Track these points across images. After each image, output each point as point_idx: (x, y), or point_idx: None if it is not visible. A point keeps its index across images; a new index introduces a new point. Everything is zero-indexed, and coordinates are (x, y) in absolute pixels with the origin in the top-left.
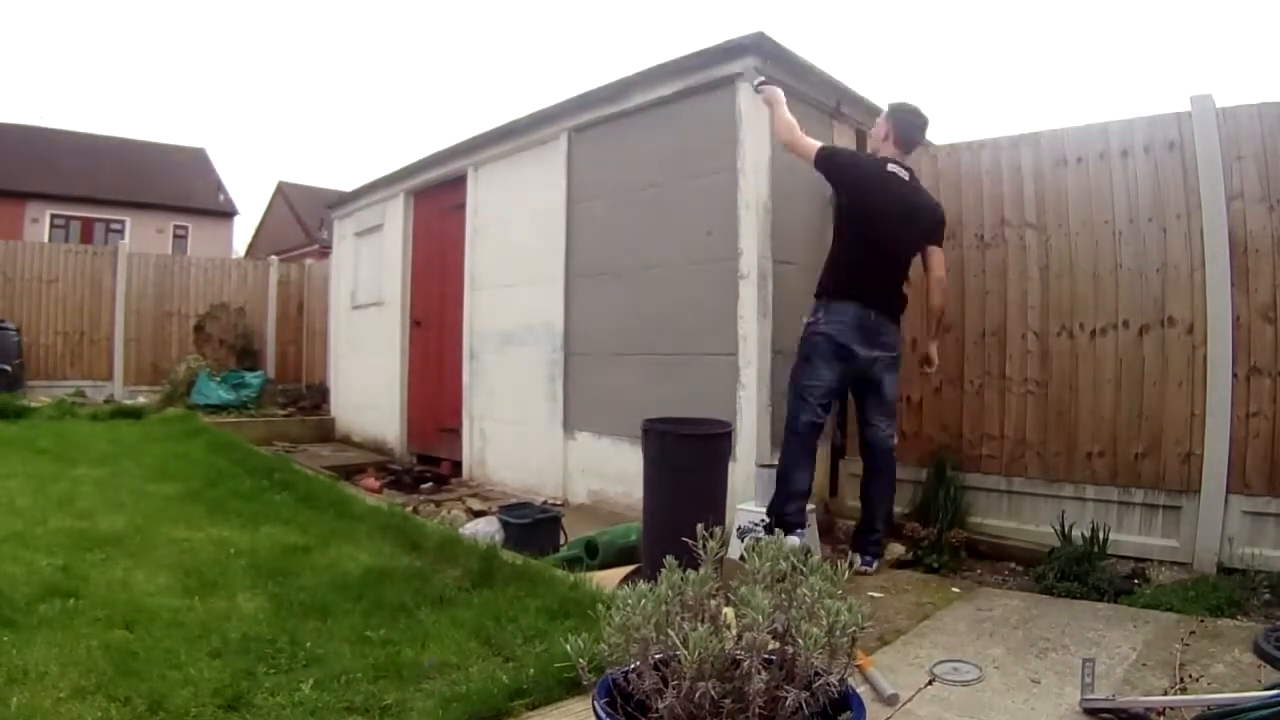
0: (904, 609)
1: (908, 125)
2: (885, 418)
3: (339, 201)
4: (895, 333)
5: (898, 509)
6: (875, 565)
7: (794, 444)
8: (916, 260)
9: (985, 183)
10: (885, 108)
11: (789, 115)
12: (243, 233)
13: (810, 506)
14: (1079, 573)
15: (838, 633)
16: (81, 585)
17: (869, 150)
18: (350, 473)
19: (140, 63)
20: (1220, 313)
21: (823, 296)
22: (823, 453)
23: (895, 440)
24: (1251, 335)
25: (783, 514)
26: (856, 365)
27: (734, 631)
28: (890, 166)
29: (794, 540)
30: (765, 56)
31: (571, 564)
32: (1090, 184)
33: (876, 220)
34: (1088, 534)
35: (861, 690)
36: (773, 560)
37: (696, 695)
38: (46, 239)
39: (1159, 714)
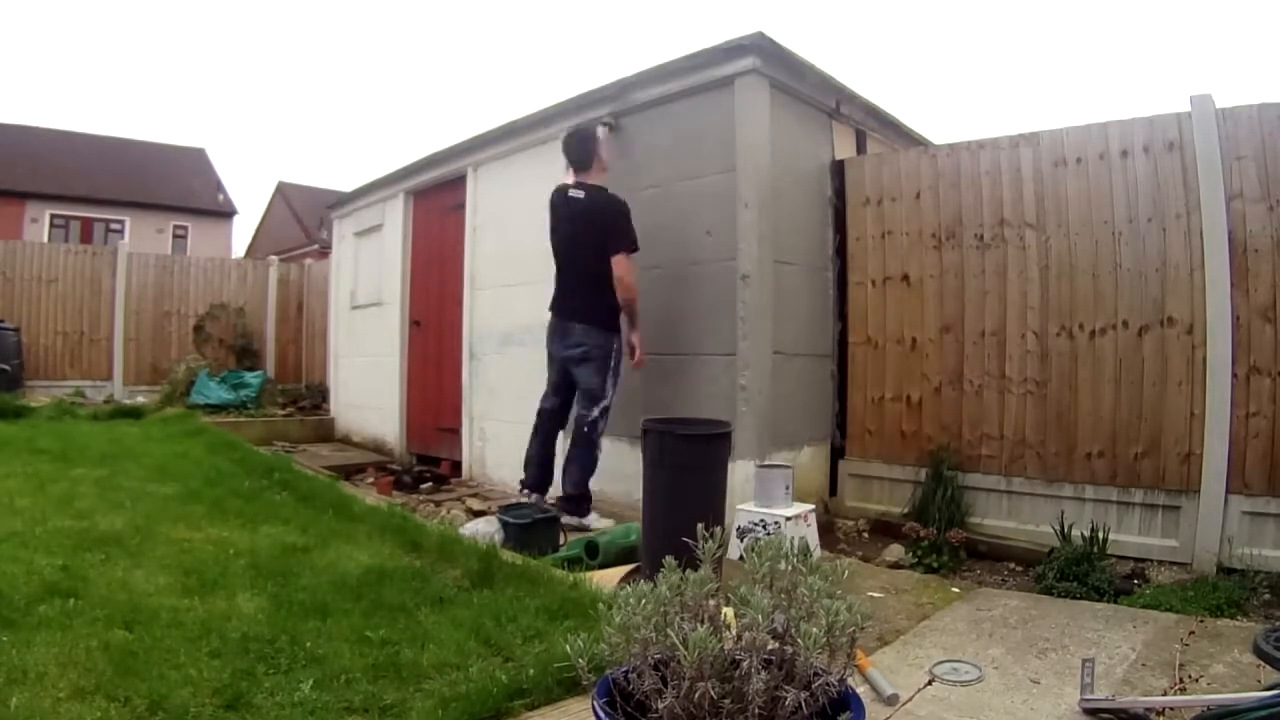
0: (903, 609)
1: (564, 151)
2: (583, 401)
3: (339, 201)
4: (583, 333)
5: (897, 509)
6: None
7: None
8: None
9: (985, 183)
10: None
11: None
12: (242, 233)
13: (810, 506)
14: (1078, 573)
15: (837, 632)
16: (81, 585)
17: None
18: (350, 472)
19: (140, 63)
20: (1220, 313)
21: None
22: (822, 452)
23: (589, 418)
24: (1251, 335)
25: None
26: (558, 361)
27: (733, 631)
28: (570, 192)
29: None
30: (765, 56)
31: (571, 564)
32: (1090, 184)
33: (557, 242)
34: (1087, 534)
35: (861, 690)
36: (772, 560)
37: (696, 695)
38: (46, 239)
39: (1158, 714)
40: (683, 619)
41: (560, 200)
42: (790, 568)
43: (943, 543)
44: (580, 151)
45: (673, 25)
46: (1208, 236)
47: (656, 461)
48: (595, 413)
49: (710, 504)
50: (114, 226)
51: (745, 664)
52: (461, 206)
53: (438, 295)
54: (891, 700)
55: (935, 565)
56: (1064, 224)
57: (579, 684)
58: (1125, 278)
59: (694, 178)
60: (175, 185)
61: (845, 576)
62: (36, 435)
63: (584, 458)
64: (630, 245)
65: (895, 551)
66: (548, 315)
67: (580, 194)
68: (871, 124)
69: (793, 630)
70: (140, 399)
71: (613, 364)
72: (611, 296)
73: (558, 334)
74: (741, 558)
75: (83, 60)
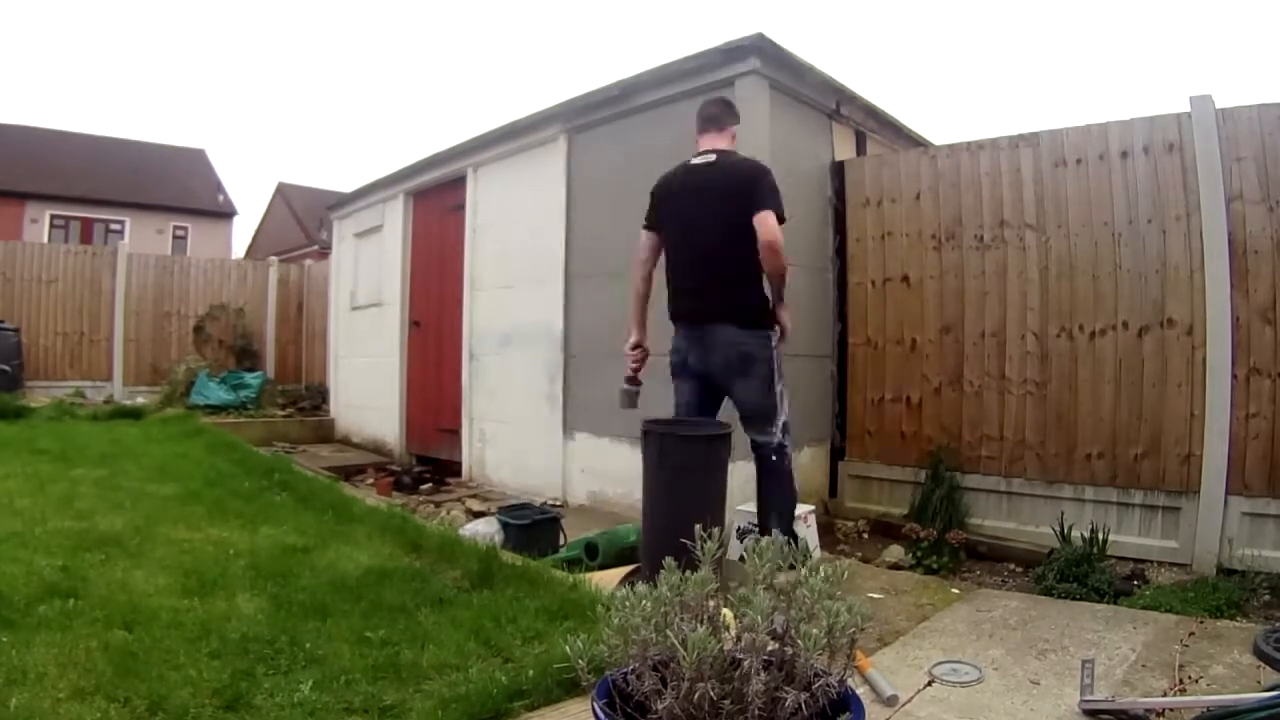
0: (903, 610)
1: (697, 117)
2: (754, 426)
3: (339, 202)
4: (736, 334)
5: (897, 510)
6: None
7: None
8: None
9: (985, 184)
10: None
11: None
12: (242, 233)
13: (810, 507)
14: (1078, 574)
15: (837, 634)
16: (81, 586)
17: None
18: (350, 473)
19: (140, 63)
20: (1219, 314)
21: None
22: (822, 453)
23: (774, 444)
24: (1251, 336)
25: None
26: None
27: (733, 632)
28: (694, 160)
29: None
30: (765, 58)
31: (571, 565)
32: (1090, 185)
33: (673, 226)
34: (1087, 535)
35: (861, 691)
36: (772, 561)
37: (695, 696)
38: (46, 239)
39: (1158, 715)
40: (682, 620)
41: (676, 177)
42: (789, 568)
43: (942, 544)
44: (714, 107)
45: (673, 25)
46: (1207, 238)
47: (656, 462)
48: (778, 435)
49: (710, 505)
50: (114, 227)
51: (745, 665)
52: (461, 207)
53: (437, 296)
54: (891, 701)
55: (935, 566)
56: (1064, 225)
57: (578, 685)
58: (1125, 279)
59: None
60: (175, 186)
61: (845, 577)
62: (36, 436)
63: (781, 497)
64: (780, 208)
65: (895, 552)
66: (547, 316)
67: (710, 158)
68: (871, 125)
69: (793, 631)
70: (140, 399)
71: (777, 368)
72: (759, 283)
73: (695, 343)
74: (741, 558)
75: (83, 60)
